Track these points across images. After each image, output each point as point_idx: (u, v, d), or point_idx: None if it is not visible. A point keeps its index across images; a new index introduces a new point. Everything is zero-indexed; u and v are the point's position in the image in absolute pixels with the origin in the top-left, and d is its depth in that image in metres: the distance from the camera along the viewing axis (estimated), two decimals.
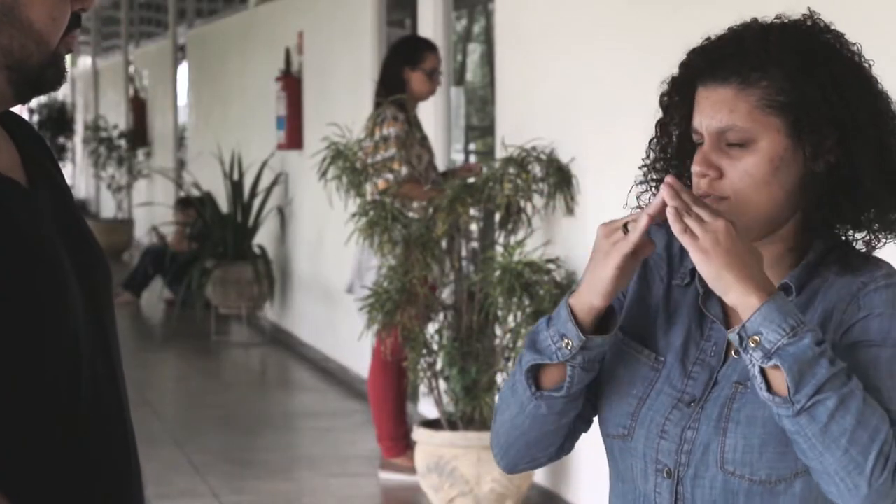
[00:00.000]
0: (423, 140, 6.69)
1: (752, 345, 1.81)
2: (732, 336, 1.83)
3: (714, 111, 1.94)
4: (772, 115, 1.92)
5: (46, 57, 1.79)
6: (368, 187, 6.35)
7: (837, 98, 1.92)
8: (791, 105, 1.92)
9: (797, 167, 1.93)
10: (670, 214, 1.84)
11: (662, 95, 2.03)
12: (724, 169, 1.93)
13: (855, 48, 1.98)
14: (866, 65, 1.98)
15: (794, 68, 1.92)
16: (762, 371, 1.81)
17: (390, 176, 6.36)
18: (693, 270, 2.00)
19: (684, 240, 1.84)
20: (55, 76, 1.82)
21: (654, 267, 2.07)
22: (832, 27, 1.98)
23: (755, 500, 1.91)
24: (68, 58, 1.86)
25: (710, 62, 1.97)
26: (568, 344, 1.93)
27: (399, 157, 6.39)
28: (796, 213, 1.97)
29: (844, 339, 1.90)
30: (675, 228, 1.84)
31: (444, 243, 6.10)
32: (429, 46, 6.85)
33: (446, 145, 7.63)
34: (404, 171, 6.38)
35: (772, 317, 1.80)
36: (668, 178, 1.89)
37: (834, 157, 1.93)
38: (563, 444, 2.08)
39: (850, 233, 1.99)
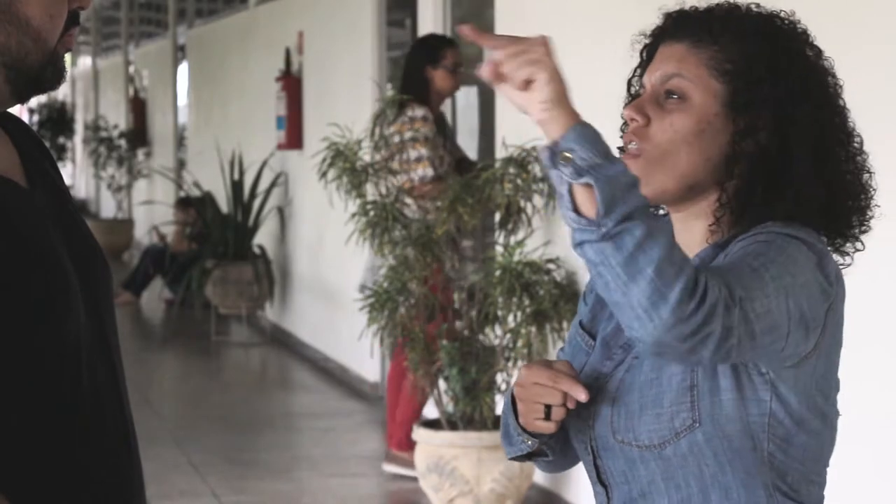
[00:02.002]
0: (446, 140, 6.75)
1: (563, 161, 1.70)
2: (543, 152, 1.73)
3: (662, 61, 1.97)
4: (714, 78, 1.93)
5: (45, 55, 1.79)
6: (370, 188, 6.35)
7: (784, 85, 1.91)
8: (735, 74, 1.92)
9: (724, 139, 1.92)
10: (488, 66, 1.75)
11: (640, 53, 2.06)
12: (652, 119, 1.94)
13: (827, 62, 1.98)
14: (832, 78, 1.97)
15: (749, 42, 1.93)
16: (570, 191, 1.71)
17: (417, 175, 6.39)
18: None
19: (507, 90, 1.75)
20: (54, 75, 1.82)
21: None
22: (808, 33, 1.98)
23: (651, 466, 1.91)
24: (67, 57, 1.86)
25: (673, 22, 2.00)
26: (527, 440, 2.02)
27: (427, 157, 6.43)
28: (715, 186, 1.94)
29: None
30: (493, 78, 1.75)
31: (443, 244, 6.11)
32: (448, 43, 6.88)
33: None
34: (430, 172, 6.41)
35: (587, 136, 1.71)
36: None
37: (765, 139, 1.92)
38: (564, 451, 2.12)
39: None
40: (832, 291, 1.88)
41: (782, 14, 1.98)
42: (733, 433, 1.88)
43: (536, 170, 5.99)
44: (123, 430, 1.83)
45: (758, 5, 2.00)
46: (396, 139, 6.45)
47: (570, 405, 1.91)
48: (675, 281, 1.68)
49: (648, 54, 2.03)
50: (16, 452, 1.69)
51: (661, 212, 2.04)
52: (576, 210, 1.71)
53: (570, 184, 1.71)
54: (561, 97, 1.75)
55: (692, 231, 1.98)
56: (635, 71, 2.06)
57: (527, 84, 1.74)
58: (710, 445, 1.88)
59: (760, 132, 1.92)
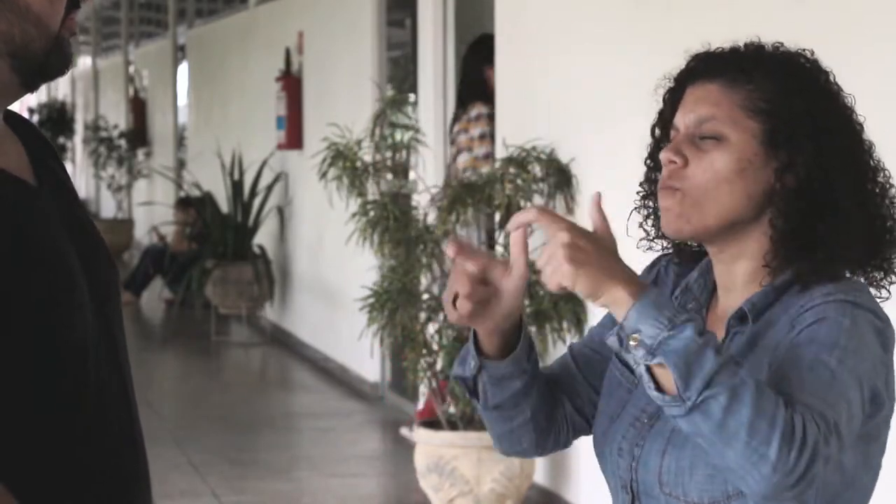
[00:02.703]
0: None
1: (633, 343, 1.73)
2: (612, 340, 1.76)
3: (696, 104, 1.96)
4: (751, 118, 1.93)
5: (49, 41, 1.78)
6: (370, 187, 6.34)
7: (819, 120, 1.93)
8: (772, 113, 1.92)
9: (766, 178, 1.93)
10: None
11: (663, 97, 2.05)
12: (690, 159, 1.93)
13: (848, 99, 1.99)
14: (854, 115, 1.98)
15: (782, 80, 1.94)
16: (649, 370, 1.73)
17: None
18: (675, 299, 2.03)
19: (560, 251, 1.81)
20: (60, 61, 1.81)
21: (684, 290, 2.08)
22: (830, 71, 2.00)
23: None
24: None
25: (702, 62, 2.00)
26: (473, 363, 2.00)
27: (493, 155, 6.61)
28: (756, 223, 1.94)
29: (780, 355, 1.86)
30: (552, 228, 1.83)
31: (444, 244, 6.11)
32: None
33: (447, 146, 7.61)
34: (486, 169, 6.48)
35: (647, 311, 1.72)
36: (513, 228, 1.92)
37: (804, 173, 1.92)
38: (542, 440, 2.10)
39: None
40: (888, 359, 1.90)
41: (805, 52, 2.00)
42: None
43: (536, 170, 5.99)
44: (130, 429, 1.83)
45: (782, 44, 2.01)
46: (462, 137, 6.63)
47: (470, 305, 1.88)
48: (771, 437, 1.70)
49: (675, 96, 2.02)
50: (22, 451, 1.69)
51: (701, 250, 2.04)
52: (658, 388, 1.73)
53: (646, 366, 1.73)
54: (601, 281, 1.76)
55: (736, 272, 1.98)
56: (661, 114, 2.04)
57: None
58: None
59: (800, 167, 1.92)
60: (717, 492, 1.87)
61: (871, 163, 1.98)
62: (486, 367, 1.99)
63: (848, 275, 1.96)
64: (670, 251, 2.10)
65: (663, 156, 1.95)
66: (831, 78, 1.99)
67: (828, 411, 1.75)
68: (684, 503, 1.90)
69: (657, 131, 2.05)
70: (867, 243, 1.94)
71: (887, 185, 1.98)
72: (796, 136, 1.92)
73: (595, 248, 1.78)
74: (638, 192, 2.06)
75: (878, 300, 1.97)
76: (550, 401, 2.09)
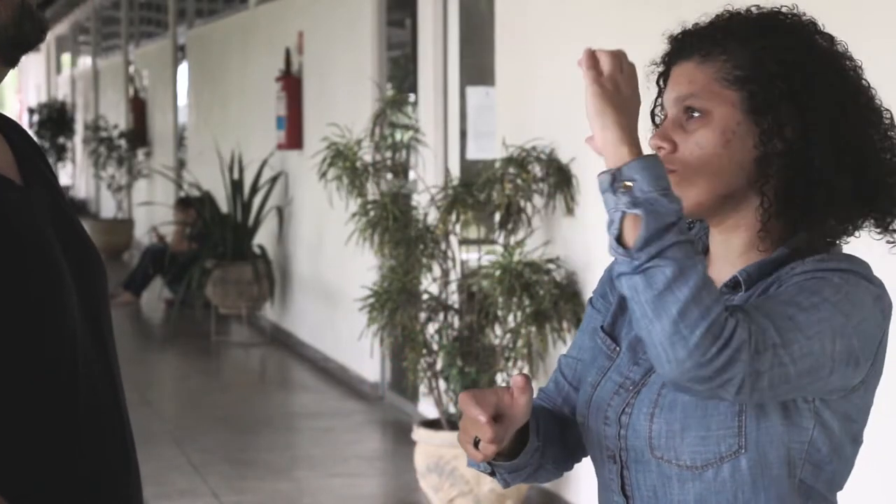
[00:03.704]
0: None
1: (623, 189, 1.75)
2: (603, 176, 1.77)
3: (675, 84, 1.97)
4: (727, 88, 1.93)
5: (15, 10, 1.77)
6: (370, 187, 6.35)
7: (799, 77, 1.91)
8: (746, 79, 1.92)
9: (751, 143, 1.92)
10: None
11: (656, 81, 2.05)
12: (677, 143, 1.94)
13: (840, 46, 1.97)
14: (849, 62, 1.96)
15: (755, 43, 1.93)
16: (622, 217, 1.75)
17: None
18: None
19: (588, 72, 1.87)
20: (35, 27, 1.79)
21: None
22: (815, 22, 1.98)
23: (687, 486, 1.90)
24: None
25: (679, 41, 2.01)
26: (483, 467, 2.04)
27: None
28: (751, 192, 1.94)
29: None
30: (586, 53, 1.90)
31: (443, 244, 6.11)
32: None
33: (447, 146, 7.62)
34: None
35: (651, 170, 1.75)
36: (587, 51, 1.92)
37: (791, 134, 1.91)
38: (566, 464, 2.13)
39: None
40: (885, 326, 1.90)
41: (783, 9, 1.98)
42: (774, 460, 1.88)
43: (536, 170, 5.99)
44: (120, 428, 1.83)
45: (758, 7, 1.99)
46: None
47: (495, 446, 1.91)
48: (698, 324, 1.71)
49: (664, 80, 2.03)
50: (12, 451, 1.69)
51: (695, 228, 2.05)
52: (619, 239, 1.75)
53: (623, 212, 1.75)
54: (615, 122, 1.79)
55: (733, 244, 1.98)
56: (655, 101, 2.05)
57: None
58: (751, 472, 1.88)
59: (786, 128, 1.91)
60: (710, 453, 1.88)
61: (871, 106, 1.95)
62: (499, 470, 2.05)
63: (852, 237, 1.95)
64: None
65: (651, 143, 1.96)
66: (815, 28, 1.97)
67: (771, 332, 1.76)
68: (676, 466, 1.90)
69: (656, 117, 2.05)
70: (861, 200, 1.92)
71: (889, 128, 1.96)
72: (774, 98, 1.91)
73: (633, 96, 1.83)
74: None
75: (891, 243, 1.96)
76: (562, 437, 2.10)
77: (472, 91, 7.54)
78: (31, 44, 1.79)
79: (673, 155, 1.94)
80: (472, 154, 7.54)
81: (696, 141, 1.93)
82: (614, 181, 1.76)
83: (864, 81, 1.96)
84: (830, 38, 1.97)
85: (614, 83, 1.83)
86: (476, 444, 1.91)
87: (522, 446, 2.02)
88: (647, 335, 1.75)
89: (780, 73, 1.91)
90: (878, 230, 1.98)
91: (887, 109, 1.98)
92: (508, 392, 1.93)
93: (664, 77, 2.02)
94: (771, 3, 2.02)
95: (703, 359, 1.71)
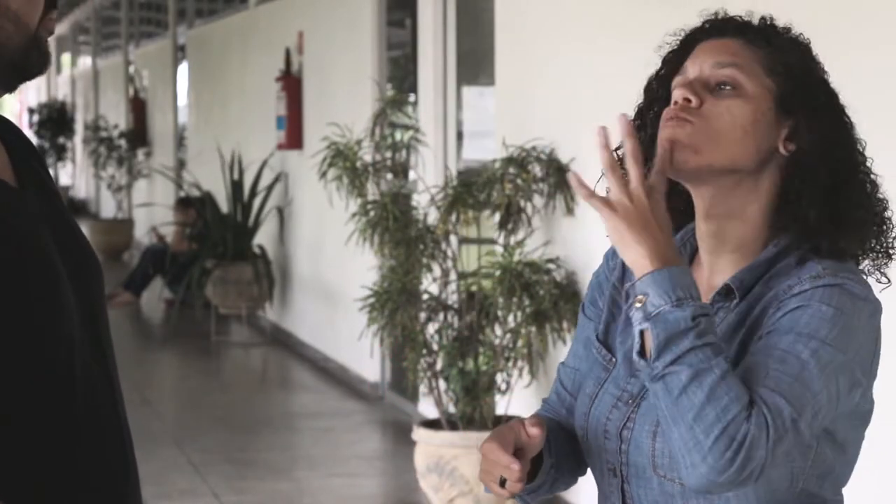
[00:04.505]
0: None
1: (638, 304, 1.80)
2: (627, 289, 1.85)
3: (713, 52, 1.97)
4: (769, 76, 1.94)
5: (27, 40, 1.77)
6: (370, 187, 6.35)
7: (824, 97, 1.95)
8: (788, 76, 1.94)
9: (772, 137, 1.94)
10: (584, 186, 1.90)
11: (668, 53, 2.05)
12: (705, 101, 1.94)
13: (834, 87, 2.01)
14: (840, 100, 2.00)
15: (797, 51, 1.97)
16: (641, 333, 1.80)
17: None
18: None
19: (593, 202, 1.87)
20: (39, 60, 1.80)
21: (629, 274, 2.08)
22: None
23: (691, 503, 1.91)
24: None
25: (719, 22, 2.01)
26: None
27: None
28: (757, 182, 1.94)
29: (762, 338, 1.87)
30: (583, 193, 1.89)
31: (443, 244, 6.11)
32: None
33: (447, 146, 7.62)
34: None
35: (663, 283, 1.79)
36: (600, 132, 1.92)
37: (808, 139, 1.93)
38: (579, 472, 2.15)
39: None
40: (879, 335, 1.92)
41: (801, 36, 2.02)
42: (776, 478, 1.88)
43: (536, 170, 5.99)
44: (118, 429, 1.83)
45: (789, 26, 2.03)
46: None
47: (521, 484, 1.93)
48: (713, 427, 1.74)
49: (680, 55, 2.02)
50: (10, 452, 1.69)
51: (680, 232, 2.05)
52: (642, 351, 1.81)
53: (640, 330, 1.81)
54: (629, 231, 1.83)
55: (725, 237, 1.97)
56: (660, 73, 2.05)
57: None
58: (755, 491, 1.88)
59: (803, 133, 1.93)
60: None
61: (856, 148, 1.98)
62: (519, 495, 2.05)
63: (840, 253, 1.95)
64: None
65: (678, 92, 1.95)
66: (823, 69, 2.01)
67: (787, 409, 1.78)
68: (680, 485, 1.90)
69: (655, 88, 2.04)
70: (861, 222, 1.94)
71: (873, 175, 1.99)
72: (807, 103, 1.93)
73: (659, 215, 1.84)
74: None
75: (881, 286, 1.98)
76: (573, 448, 2.10)
77: (466, 91, 7.54)
78: (33, 74, 1.81)
79: (697, 110, 1.93)
80: (466, 154, 7.54)
81: (728, 107, 1.93)
82: (628, 297, 1.84)
83: (855, 131, 2.00)
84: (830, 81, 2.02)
85: (623, 201, 1.85)
86: (502, 483, 1.93)
87: (536, 468, 2.04)
88: (669, 442, 1.79)
89: (818, 83, 1.96)
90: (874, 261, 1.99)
91: (869, 157, 2.00)
92: (523, 427, 1.95)
93: (682, 53, 2.01)
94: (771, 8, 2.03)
95: (717, 464, 1.74)
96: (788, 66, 1.94)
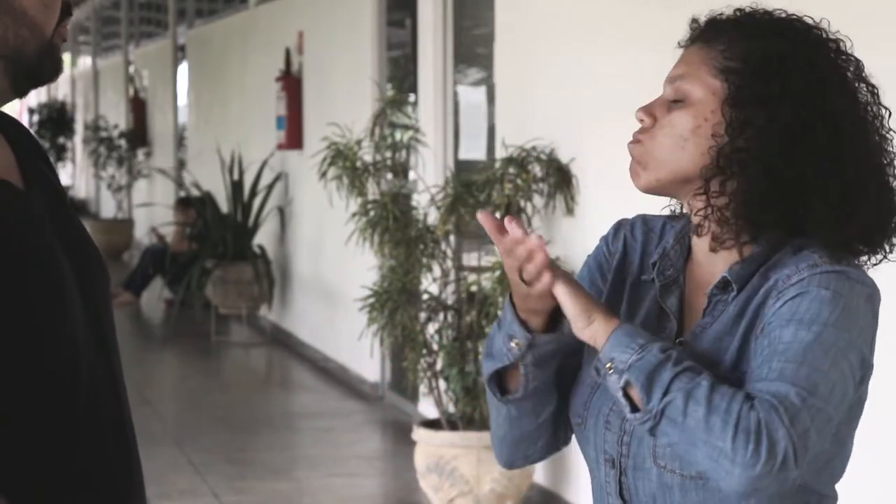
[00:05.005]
0: None
1: (609, 371, 1.84)
2: (592, 372, 1.91)
3: (674, 68, 2.00)
4: (715, 76, 1.94)
5: (42, 46, 1.79)
6: (370, 187, 6.35)
7: (778, 83, 1.90)
8: (735, 72, 1.92)
9: (721, 135, 1.92)
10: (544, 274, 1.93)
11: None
12: (658, 119, 1.97)
13: (856, 67, 1.95)
14: (861, 83, 1.95)
15: (756, 42, 1.93)
16: (626, 395, 1.83)
17: None
18: (654, 265, 2.04)
19: (558, 291, 1.90)
20: (52, 66, 1.82)
21: (629, 262, 2.09)
22: (834, 39, 1.96)
23: (690, 495, 1.91)
24: (67, 57, 1.86)
25: (695, 27, 2.03)
26: (518, 344, 1.96)
27: None
28: (717, 182, 1.92)
29: (762, 332, 1.87)
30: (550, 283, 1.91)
31: (443, 244, 6.11)
32: None
33: (447, 146, 7.62)
34: None
35: (621, 340, 1.84)
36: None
37: (757, 135, 1.89)
38: (554, 438, 2.10)
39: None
40: (876, 322, 1.92)
41: (805, 18, 1.97)
42: None
43: (536, 170, 5.99)
44: (121, 429, 1.83)
45: (783, 10, 1.99)
46: None
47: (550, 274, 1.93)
48: (725, 431, 1.76)
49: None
50: (14, 452, 1.69)
51: (680, 223, 2.05)
52: (633, 409, 1.84)
53: (620, 390, 1.84)
54: (585, 311, 1.89)
55: (714, 234, 1.96)
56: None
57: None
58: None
59: (749, 128, 1.90)
60: None
61: (867, 131, 1.93)
62: (536, 344, 1.95)
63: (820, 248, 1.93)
64: (634, 217, 2.14)
65: (636, 113, 1.99)
66: (831, 44, 1.96)
67: (791, 392, 1.78)
68: (679, 476, 1.91)
69: None
70: (838, 214, 1.90)
71: (886, 155, 1.95)
72: (754, 98, 1.90)
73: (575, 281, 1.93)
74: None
75: (873, 268, 1.97)
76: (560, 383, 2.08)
77: (462, 91, 7.54)
78: (44, 81, 1.82)
79: (650, 129, 1.97)
80: (460, 154, 7.54)
81: (671, 119, 1.95)
82: (598, 372, 1.88)
83: (877, 106, 1.95)
84: (848, 58, 1.95)
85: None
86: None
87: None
88: (698, 466, 1.81)
89: (763, 74, 1.90)
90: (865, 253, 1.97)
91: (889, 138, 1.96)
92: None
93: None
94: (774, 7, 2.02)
95: (745, 459, 1.75)
96: (737, 62, 1.92)
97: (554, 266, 1.92)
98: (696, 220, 1.98)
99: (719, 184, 1.93)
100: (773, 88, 1.90)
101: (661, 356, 1.81)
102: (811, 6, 2.07)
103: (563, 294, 1.88)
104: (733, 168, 1.91)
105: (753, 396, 1.78)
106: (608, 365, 1.84)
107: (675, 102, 1.96)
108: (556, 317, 1.96)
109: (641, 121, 1.98)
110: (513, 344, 1.96)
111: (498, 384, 2.03)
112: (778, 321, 1.85)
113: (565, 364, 2.05)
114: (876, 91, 1.97)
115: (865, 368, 1.88)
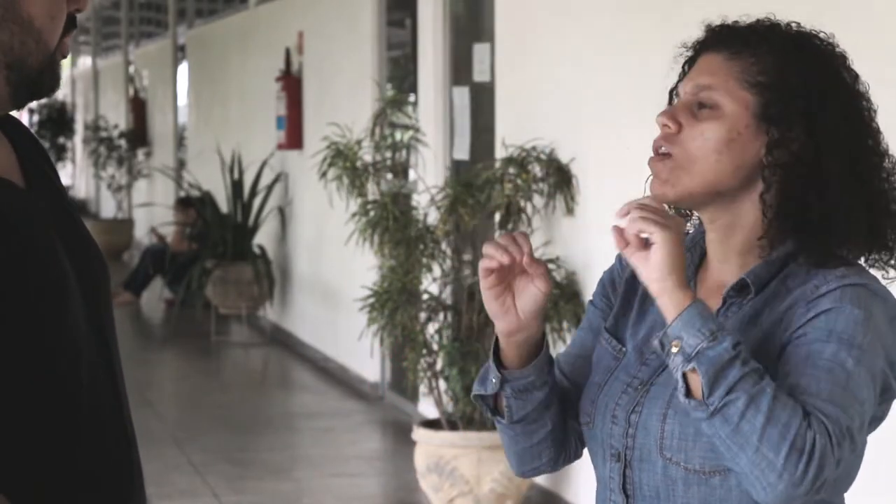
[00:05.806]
0: None
1: (674, 349, 1.83)
2: (655, 343, 1.87)
3: (698, 72, 1.99)
4: (746, 90, 1.95)
5: (45, 58, 1.79)
6: (370, 187, 6.35)
7: (818, 98, 1.94)
8: (767, 87, 1.94)
9: (754, 149, 1.95)
10: (614, 231, 1.90)
11: (683, 64, 2.07)
12: (684, 126, 1.96)
13: (862, 86, 2.00)
14: (866, 102, 1.99)
15: (784, 56, 1.96)
16: (684, 375, 1.83)
17: None
18: None
19: (629, 252, 1.89)
20: (51, 80, 1.82)
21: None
22: (846, 56, 2.01)
23: (692, 490, 1.92)
24: (66, 61, 1.86)
25: (713, 33, 2.03)
26: (494, 380, 2.04)
27: None
28: (746, 196, 1.96)
29: (793, 340, 1.89)
30: (619, 244, 1.90)
31: (444, 244, 6.11)
32: None
33: (447, 146, 7.62)
34: None
35: (693, 322, 1.83)
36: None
37: (798, 150, 1.93)
38: (559, 453, 2.13)
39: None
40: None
41: (822, 34, 2.00)
42: None
43: (536, 170, 5.99)
44: (122, 430, 1.83)
45: (799, 24, 2.01)
46: None
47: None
48: (781, 445, 1.77)
49: (689, 65, 2.05)
50: (15, 452, 1.69)
51: (692, 231, 2.07)
52: (689, 394, 1.83)
53: (682, 373, 1.83)
54: (674, 269, 1.86)
55: (730, 244, 2.00)
56: (677, 83, 2.07)
57: (643, 244, 1.87)
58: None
59: (794, 143, 1.93)
60: (719, 462, 1.89)
61: (878, 150, 1.98)
62: (509, 380, 2.03)
63: (847, 256, 1.97)
64: None
65: (658, 119, 1.98)
66: (844, 62, 1.99)
67: (843, 417, 1.82)
68: (684, 469, 1.92)
69: (674, 98, 2.07)
70: (865, 224, 1.95)
71: (892, 172, 1.99)
72: (789, 112, 1.93)
73: (681, 252, 1.89)
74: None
75: (885, 281, 2.00)
76: (565, 413, 2.11)
77: (456, 91, 7.53)
78: (42, 95, 1.82)
79: (676, 136, 1.96)
80: (455, 155, 7.54)
81: (702, 130, 1.95)
82: (663, 347, 1.85)
83: (875, 124, 2.00)
84: (856, 76, 2.00)
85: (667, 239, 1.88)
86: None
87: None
88: (737, 468, 1.81)
89: (802, 88, 1.94)
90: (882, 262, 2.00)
91: (893, 155, 2.00)
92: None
93: (690, 62, 2.04)
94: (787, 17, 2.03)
95: (793, 478, 1.78)
96: (768, 76, 1.94)
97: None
98: (714, 232, 2.00)
99: (759, 197, 1.96)
100: (812, 105, 1.93)
101: (732, 352, 1.81)
102: (800, 14, 2.08)
103: (659, 241, 1.85)
104: (770, 180, 1.94)
105: (809, 413, 1.80)
106: (674, 343, 1.83)
107: (701, 109, 1.96)
108: (535, 353, 2.02)
109: (665, 126, 1.97)
110: (492, 377, 2.04)
111: (496, 404, 2.08)
112: (816, 334, 1.88)
113: (579, 372, 2.10)
114: (874, 109, 2.01)
115: (887, 390, 1.92)
